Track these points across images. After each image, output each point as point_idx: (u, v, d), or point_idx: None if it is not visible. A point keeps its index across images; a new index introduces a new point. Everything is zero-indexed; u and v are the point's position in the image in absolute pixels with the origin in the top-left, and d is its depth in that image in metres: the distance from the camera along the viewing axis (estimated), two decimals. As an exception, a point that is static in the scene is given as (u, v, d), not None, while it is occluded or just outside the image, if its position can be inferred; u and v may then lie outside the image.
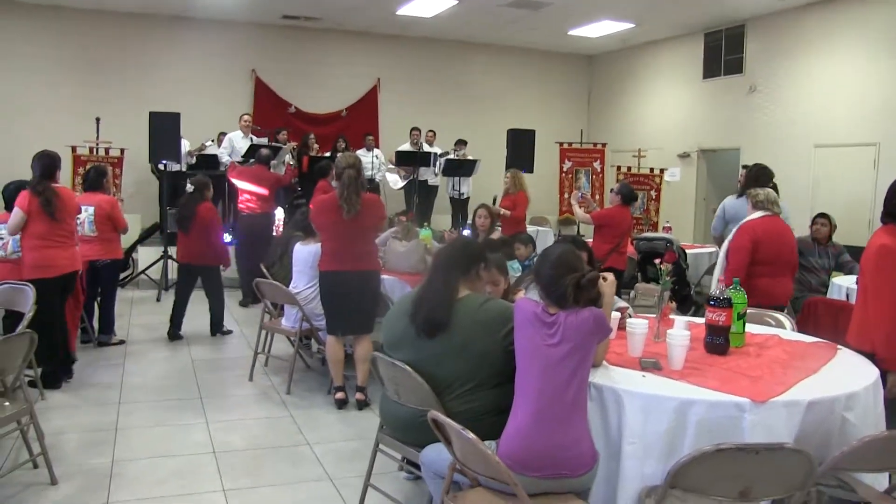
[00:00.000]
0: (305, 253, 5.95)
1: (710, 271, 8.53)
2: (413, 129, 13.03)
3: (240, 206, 9.63)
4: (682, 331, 3.27)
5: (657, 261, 4.07)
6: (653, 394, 2.90)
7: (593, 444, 2.88)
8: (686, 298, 7.77)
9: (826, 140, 11.15)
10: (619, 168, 13.22)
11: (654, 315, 3.92)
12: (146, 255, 10.42)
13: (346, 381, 5.58)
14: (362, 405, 5.46)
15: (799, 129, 11.59)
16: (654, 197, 12.68)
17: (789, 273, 5.52)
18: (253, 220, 9.32)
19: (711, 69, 13.36)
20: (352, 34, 14.58)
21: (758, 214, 5.47)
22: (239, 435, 4.94)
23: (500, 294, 3.66)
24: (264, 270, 6.57)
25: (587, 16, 12.65)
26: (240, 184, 9.42)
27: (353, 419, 5.29)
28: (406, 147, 12.88)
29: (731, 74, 12.94)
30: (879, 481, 3.15)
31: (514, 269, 5.74)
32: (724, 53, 13.05)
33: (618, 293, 7.21)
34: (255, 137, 11.75)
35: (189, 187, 7.82)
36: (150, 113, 10.15)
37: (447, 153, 13.06)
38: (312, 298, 5.85)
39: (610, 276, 3.13)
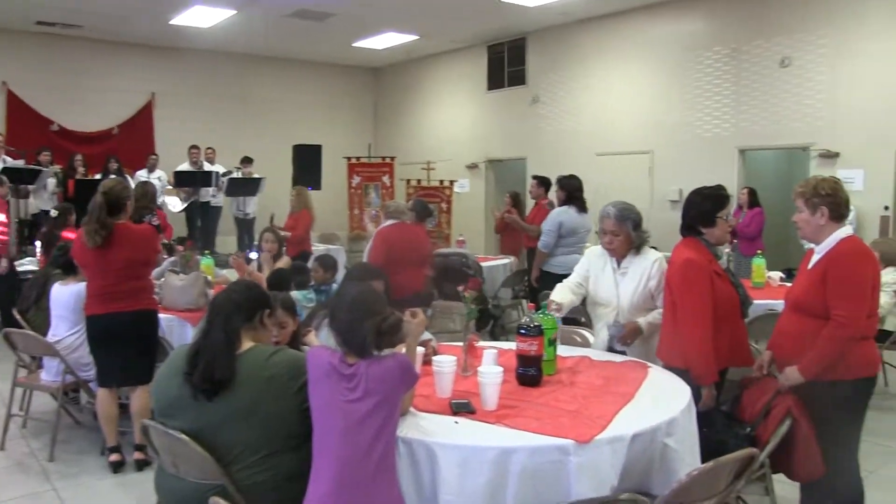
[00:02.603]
0: (66, 294, 5.17)
1: (506, 283, 8.50)
2: (192, 147, 12.22)
3: None
4: (493, 367, 3.00)
5: (460, 288, 3.80)
6: (469, 444, 2.59)
7: (406, 507, 2.54)
8: (484, 313, 7.66)
9: (606, 149, 11.59)
10: (408, 181, 13.08)
11: (459, 344, 3.65)
12: None
13: (122, 439, 4.89)
14: (142, 465, 4.77)
15: (580, 139, 11.99)
16: (445, 209, 12.64)
17: (421, 266, 6.55)
18: None
19: (496, 81, 13.57)
20: (121, 45, 13.48)
21: (389, 222, 6.60)
22: (-14, 521, 4.16)
23: (288, 337, 3.22)
24: (17, 317, 5.68)
25: (371, 27, 12.45)
26: None
27: (133, 483, 4.61)
28: (185, 167, 12.05)
29: (514, 86, 13.20)
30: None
31: (309, 298, 5.29)
32: (507, 65, 13.29)
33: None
34: (8, 159, 10.51)
35: (53, 213, 7.79)
36: None
37: (230, 172, 12.36)
38: (77, 346, 5.09)
39: (420, 315, 2.80)
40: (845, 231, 3.41)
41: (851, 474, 3.46)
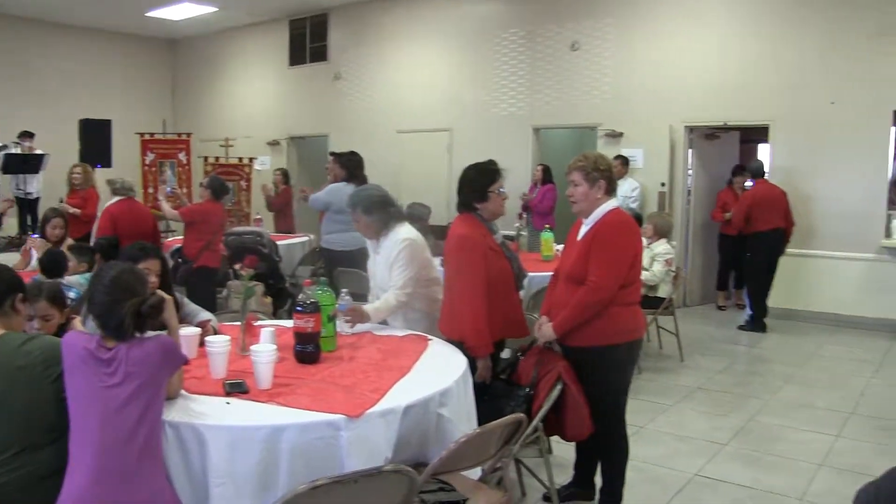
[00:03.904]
0: None
1: (304, 261, 8.44)
2: (-39, 119, 11.19)
3: None
4: (267, 345, 2.96)
5: (238, 266, 3.71)
6: (238, 424, 2.53)
7: (175, 494, 2.46)
8: (281, 292, 7.57)
9: (406, 126, 11.73)
10: (206, 159, 12.60)
11: (239, 324, 3.57)
12: None
13: None
14: None
15: (382, 116, 12.06)
16: (244, 187, 12.33)
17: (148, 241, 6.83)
18: None
19: (297, 56, 13.37)
20: None
21: (116, 199, 7.00)
22: None
23: (52, 330, 3.02)
24: None
25: (166, -5, 11.89)
26: None
27: None
28: (-50, 140, 11.01)
29: (316, 62, 13.06)
30: (474, 471, 3.16)
31: (84, 281, 4.98)
32: (309, 41, 13.11)
33: (211, 292, 6.83)
34: None
35: None
36: None
37: (6, 147, 11.40)
38: None
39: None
40: (612, 204, 3.62)
41: (618, 432, 3.71)
